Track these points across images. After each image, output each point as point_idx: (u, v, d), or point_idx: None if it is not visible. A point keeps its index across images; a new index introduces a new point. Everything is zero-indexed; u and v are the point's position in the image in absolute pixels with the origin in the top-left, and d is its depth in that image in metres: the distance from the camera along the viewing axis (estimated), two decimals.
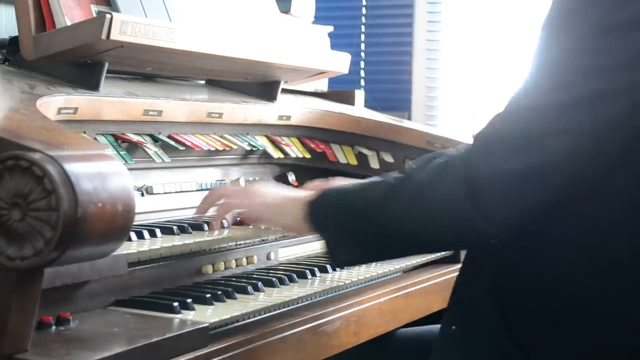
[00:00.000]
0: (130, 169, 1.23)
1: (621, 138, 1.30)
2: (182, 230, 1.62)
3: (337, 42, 2.74)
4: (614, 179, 1.33)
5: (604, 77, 1.28)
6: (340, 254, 1.47)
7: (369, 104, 2.70)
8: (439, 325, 1.99)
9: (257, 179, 2.02)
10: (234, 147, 1.91)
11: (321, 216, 1.47)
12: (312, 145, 2.17)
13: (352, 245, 1.46)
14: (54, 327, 1.24)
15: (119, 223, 1.15)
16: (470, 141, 1.40)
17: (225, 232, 1.70)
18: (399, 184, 1.41)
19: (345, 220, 1.45)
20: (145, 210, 1.63)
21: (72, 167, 1.09)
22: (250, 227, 1.75)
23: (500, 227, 1.33)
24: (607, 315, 1.34)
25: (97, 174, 1.13)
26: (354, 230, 1.44)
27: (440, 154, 1.45)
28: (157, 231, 1.56)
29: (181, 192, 1.75)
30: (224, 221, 1.67)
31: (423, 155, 1.54)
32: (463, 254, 2.13)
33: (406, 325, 1.92)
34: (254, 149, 1.99)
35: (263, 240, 1.77)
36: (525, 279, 1.39)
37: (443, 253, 2.09)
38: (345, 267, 1.74)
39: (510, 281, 1.40)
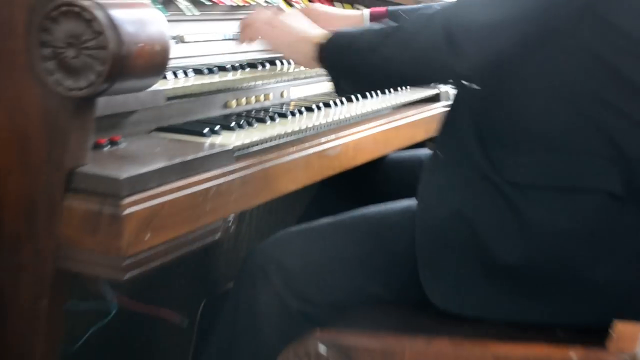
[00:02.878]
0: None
1: None
2: (210, 71, 1.61)
3: None
4: (578, 31, 1.32)
5: None
6: (342, 85, 1.49)
7: None
8: (422, 150, 2.02)
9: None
10: (253, 3, 1.86)
11: (328, 56, 1.47)
12: (319, 2, 2.13)
13: (352, 79, 1.49)
14: (107, 148, 1.25)
15: (156, 61, 1.16)
16: None
17: (247, 72, 1.68)
18: (391, 31, 1.42)
19: (347, 61, 1.46)
20: (179, 55, 1.61)
21: (116, 13, 1.09)
22: (267, 68, 1.75)
23: (469, 66, 1.35)
24: (565, 144, 1.36)
25: (138, 19, 1.13)
26: (354, 68, 1.46)
27: (428, 6, 1.45)
28: (190, 71, 1.55)
29: (208, 41, 1.72)
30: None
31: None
32: (445, 96, 2.15)
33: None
34: (270, 4, 1.94)
35: (278, 80, 1.76)
36: (500, 115, 1.41)
37: (426, 95, 2.10)
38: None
39: (488, 117, 1.42)
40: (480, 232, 1.38)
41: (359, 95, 1.88)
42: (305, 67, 1.66)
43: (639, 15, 1.34)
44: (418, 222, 1.44)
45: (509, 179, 1.38)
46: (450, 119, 1.51)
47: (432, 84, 2.08)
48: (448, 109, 1.54)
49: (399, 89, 2.01)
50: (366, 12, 1.85)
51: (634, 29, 1.33)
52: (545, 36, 1.33)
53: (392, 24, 1.46)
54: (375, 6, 2.22)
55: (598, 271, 1.36)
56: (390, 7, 1.85)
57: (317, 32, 1.51)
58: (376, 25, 1.49)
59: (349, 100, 1.85)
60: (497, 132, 1.41)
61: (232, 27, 1.78)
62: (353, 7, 2.21)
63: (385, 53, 1.41)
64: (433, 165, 1.50)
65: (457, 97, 1.52)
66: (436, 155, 1.50)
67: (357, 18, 1.83)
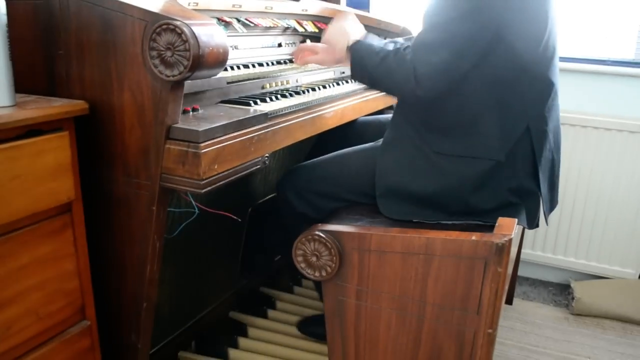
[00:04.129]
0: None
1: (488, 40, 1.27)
2: (253, 66, 1.60)
3: None
4: (487, 63, 1.30)
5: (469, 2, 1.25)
6: (355, 79, 1.47)
7: (348, 2, 2.61)
8: (380, 116, 2.01)
9: (295, 43, 1.96)
10: (279, 25, 1.84)
11: (351, 61, 1.44)
12: (319, 25, 2.09)
13: (360, 78, 1.45)
14: (191, 113, 1.25)
15: (220, 59, 1.15)
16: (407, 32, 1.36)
17: (275, 66, 1.67)
18: (382, 59, 1.37)
19: (360, 68, 1.42)
20: (234, 57, 1.61)
21: (196, 29, 1.09)
22: (288, 64, 1.72)
23: (427, 92, 1.32)
24: (472, 131, 1.36)
25: (209, 32, 1.12)
26: (362, 73, 1.42)
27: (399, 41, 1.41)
28: (241, 66, 1.55)
29: (252, 48, 1.71)
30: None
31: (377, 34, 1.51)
32: None
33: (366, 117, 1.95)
34: (289, 26, 1.92)
35: (294, 72, 1.74)
36: (434, 113, 1.39)
37: None
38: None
39: (425, 114, 1.41)
40: (407, 176, 1.40)
41: (342, 82, 1.86)
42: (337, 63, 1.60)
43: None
44: (377, 171, 1.45)
45: (434, 149, 1.38)
46: (398, 112, 1.49)
47: None
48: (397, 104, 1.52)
49: None
50: None
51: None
52: (469, 70, 1.31)
53: (389, 46, 1.39)
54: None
55: (478, 201, 1.38)
56: None
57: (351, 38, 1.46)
58: (376, 43, 1.42)
59: (338, 84, 1.83)
60: (430, 123, 1.41)
61: (266, 40, 1.77)
62: None
63: (377, 75, 1.38)
64: (388, 139, 1.49)
65: (402, 99, 1.49)
66: (389, 134, 1.49)
67: None
